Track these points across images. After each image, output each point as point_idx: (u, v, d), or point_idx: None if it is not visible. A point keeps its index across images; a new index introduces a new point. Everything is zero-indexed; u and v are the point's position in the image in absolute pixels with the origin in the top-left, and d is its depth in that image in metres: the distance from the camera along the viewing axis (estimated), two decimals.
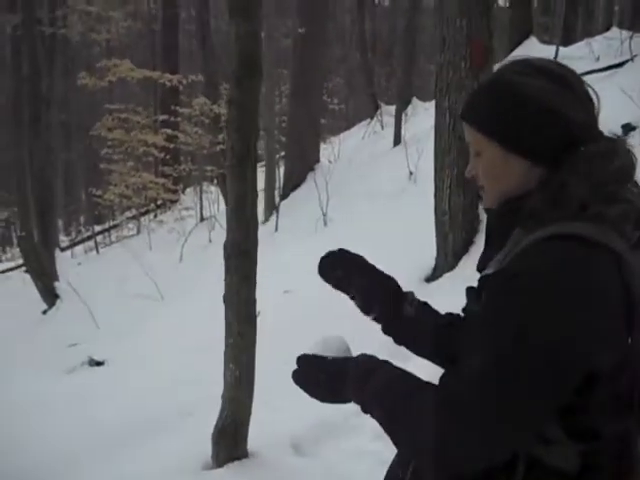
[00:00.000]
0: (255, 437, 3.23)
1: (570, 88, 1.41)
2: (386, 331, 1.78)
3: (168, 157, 15.71)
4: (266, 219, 11.03)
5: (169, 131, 15.17)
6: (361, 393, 1.44)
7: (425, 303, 1.77)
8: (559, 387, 1.27)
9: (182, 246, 11.30)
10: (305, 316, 5.61)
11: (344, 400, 1.49)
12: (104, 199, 15.50)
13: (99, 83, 15.38)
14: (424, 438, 1.31)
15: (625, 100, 6.45)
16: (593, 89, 1.44)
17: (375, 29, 23.39)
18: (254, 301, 3.00)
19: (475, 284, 1.50)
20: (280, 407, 3.76)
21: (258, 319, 4.95)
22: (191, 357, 5.37)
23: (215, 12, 21.01)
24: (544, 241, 1.31)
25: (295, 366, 1.55)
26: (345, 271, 1.72)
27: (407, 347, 1.79)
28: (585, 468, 1.33)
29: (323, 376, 1.50)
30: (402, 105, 13.15)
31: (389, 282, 1.75)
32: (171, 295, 8.54)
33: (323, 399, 1.53)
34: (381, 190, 8.78)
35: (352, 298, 1.75)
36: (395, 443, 1.41)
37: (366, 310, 1.74)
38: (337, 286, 1.74)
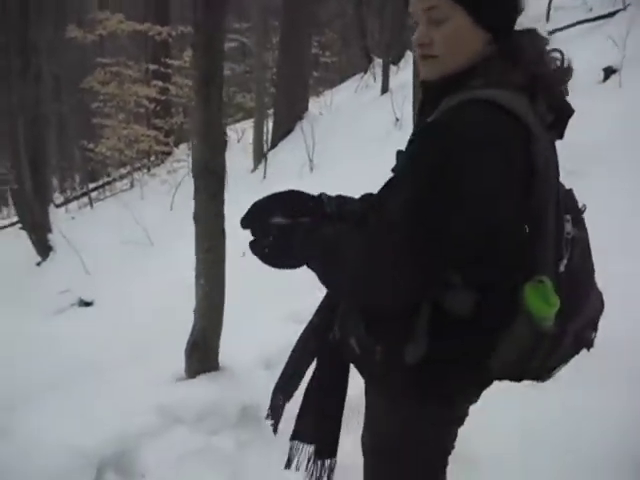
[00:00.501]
0: (227, 352, 3.39)
1: None
2: None
3: (159, 109, 15.72)
4: (255, 167, 11.13)
5: (160, 83, 15.15)
6: (301, 249, 1.61)
7: (339, 195, 1.88)
8: (464, 230, 1.40)
9: (173, 196, 11.40)
10: None
11: (294, 262, 1.65)
12: (97, 152, 15.54)
13: (89, 36, 15.32)
14: (351, 274, 1.47)
15: (610, 46, 6.52)
16: None
17: None
18: (222, 217, 3.11)
19: None
20: (252, 329, 3.93)
21: (243, 259, 5.08)
22: (177, 294, 5.50)
23: None
24: (466, 102, 1.44)
25: None
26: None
27: None
28: (477, 313, 1.48)
29: (274, 241, 1.66)
30: (394, 57, 13.16)
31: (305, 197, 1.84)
32: (160, 241, 8.67)
33: (275, 263, 1.69)
34: (367, 136, 8.87)
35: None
36: (326, 285, 1.60)
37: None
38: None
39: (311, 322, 1.98)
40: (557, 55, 1.58)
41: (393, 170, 1.69)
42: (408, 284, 1.43)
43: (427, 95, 1.65)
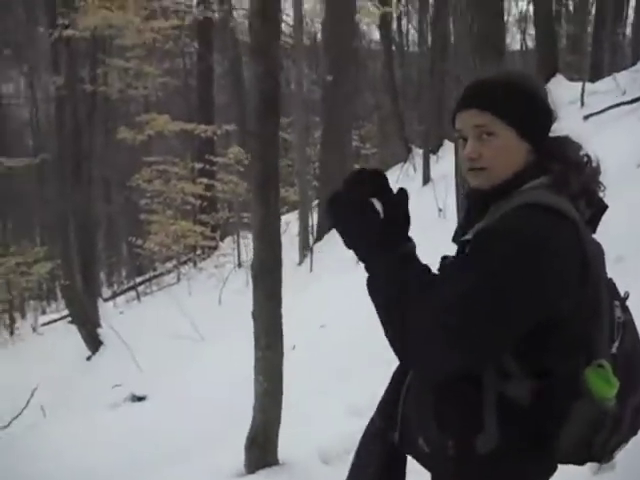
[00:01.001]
0: (285, 447, 3.43)
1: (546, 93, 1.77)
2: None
3: (205, 205, 16.13)
4: (301, 261, 11.29)
5: (206, 180, 15.59)
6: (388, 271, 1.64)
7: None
8: (515, 324, 1.54)
9: (220, 290, 11.57)
10: (337, 348, 5.82)
11: (362, 254, 1.68)
12: (144, 248, 15.92)
13: (138, 137, 15.94)
14: (411, 342, 1.57)
15: None
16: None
17: (404, 74, 23.80)
18: (280, 315, 3.22)
19: None
20: (309, 423, 3.96)
21: (294, 352, 5.18)
22: (230, 389, 5.58)
23: (248, 66, 21.67)
24: (520, 208, 1.60)
25: None
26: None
27: None
28: (537, 401, 1.57)
29: (375, 221, 1.66)
30: (433, 146, 13.43)
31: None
32: (211, 336, 8.75)
33: (349, 238, 1.69)
34: (412, 226, 8.98)
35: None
36: (385, 330, 1.64)
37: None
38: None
39: (373, 422, 2.04)
40: (588, 156, 1.74)
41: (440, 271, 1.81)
42: (444, 358, 1.55)
43: (474, 202, 1.79)
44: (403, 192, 1.72)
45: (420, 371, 1.68)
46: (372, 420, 2.04)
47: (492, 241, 1.57)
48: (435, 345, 1.54)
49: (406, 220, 1.69)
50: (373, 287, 1.67)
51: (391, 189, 1.71)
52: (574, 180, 1.66)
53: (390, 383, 1.97)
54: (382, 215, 1.68)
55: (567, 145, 1.73)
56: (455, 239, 1.80)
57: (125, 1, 14.10)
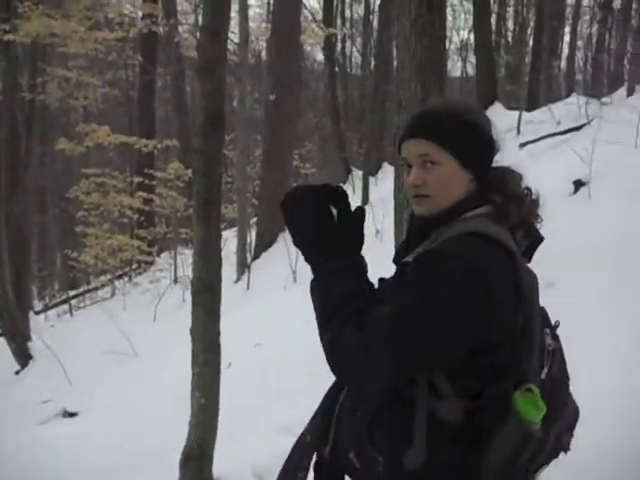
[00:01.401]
0: (220, 463, 3.43)
1: (492, 127, 1.84)
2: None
3: (143, 220, 15.97)
4: (238, 278, 11.27)
5: (145, 194, 15.45)
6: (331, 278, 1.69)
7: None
8: (444, 347, 1.61)
9: (156, 306, 11.46)
10: (272, 367, 5.83)
11: (310, 254, 1.72)
12: (79, 261, 15.65)
13: (77, 148, 15.72)
14: (341, 355, 1.64)
15: (579, 159, 6.87)
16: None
17: (347, 96, 24.03)
18: (218, 333, 3.24)
19: None
20: (244, 440, 3.97)
21: (229, 369, 5.17)
22: (162, 406, 5.53)
23: (190, 81, 21.61)
24: (461, 235, 1.67)
25: None
26: None
27: None
28: (467, 420, 1.63)
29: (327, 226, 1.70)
30: (372, 168, 13.60)
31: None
32: (144, 352, 8.65)
33: (301, 235, 1.73)
34: None
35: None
36: (320, 337, 1.69)
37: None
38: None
39: (303, 437, 2.06)
40: (529, 189, 1.82)
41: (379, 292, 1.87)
42: (371, 375, 1.61)
43: (416, 227, 1.85)
44: (362, 210, 1.78)
45: (345, 381, 1.74)
46: (302, 435, 2.05)
47: (433, 263, 1.63)
48: (363, 359, 1.59)
49: (360, 235, 1.75)
50: (315, 290, 1.72)
51: (350, 204, 1.75)
52: (514, 212, 1.73)
53: (324, 398, 1.99)
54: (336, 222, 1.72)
55: (508, 177, 1.79)
56: (395, 260, 1.85)
57: (69, 10, 13.93)
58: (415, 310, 1.58)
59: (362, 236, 1.75)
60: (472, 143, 1.77)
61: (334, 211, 1.72)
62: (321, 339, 1.69)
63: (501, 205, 1.74)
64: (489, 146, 1.81)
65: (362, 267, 1.73)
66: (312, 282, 1.73)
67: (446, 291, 1.58)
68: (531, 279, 1.74)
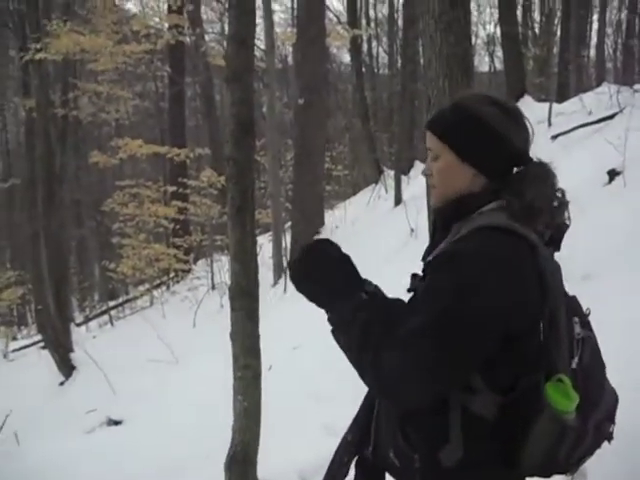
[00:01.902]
0: (265, 466, 3.47)
1: (515, 120, 1.80)
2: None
3: (178, 228, 16.12)
4: (275, 282, 11.33)
5: (179, 203, 15.59)
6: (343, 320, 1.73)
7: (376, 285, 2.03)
8: (483, 343, 1.62)
9: (195, 313, 11.57)
10: (312, 369, 5.86)
11: (327, 309, 1.76)
12: (117, 272, 15.85)
13: (110, 161, 15.94)
14: (386, 378, 1.64)
15: (612, 148, 6.80)
16: (531, 124, 1.82)
17: (375, 97, 24.04)
18: (258, 336, 3.28)
19: None
20: (288, 443, 4.00)
21: (270, 372, 5.21)
22: (205, 412, 5.59)
23: (219, 89, 21.80)
24: (477, 230, 1.68)
25: None
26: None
27: None
28: (501, 415, 1.64)
29: (328, 279, 1.76)
30: (404, 167, 13.58)
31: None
32: (185, 358, 8.74)
33: (314, 295, 1.79)
34: (384, 247, 9.09)
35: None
36: (360, 375, 1.71)
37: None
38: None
39: (345, 438, 2.09)
40: (555, 194, 1.78)
41: (409, 290, 1.89)
42: (423, 389, 1.63)
43: (437, 220, 1.88)
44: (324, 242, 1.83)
45: (400, 406, 1.74)
46: (344, 437, 2.09)
47: (450, 264, 1.65)
48: (411, 383, 1.61)
49: (352, 267, 1.78)
50: (339, 336, 1.75)
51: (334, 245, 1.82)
52: (534, 214, 1.71)
53: (364, 399, 2.02)
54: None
55: (528, 184, 1.74)
56: (423, 258, 1.88)
57: (97, 26, 14.14)
58: (447, 318, 1.59)
59: (355, 268, 1.79)
60: (471, 137, 1.77)
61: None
62: (361, 373, 1.70)
63: (514, 204, 1.71)
64: (491, 141, 1.76)
65: (372, 294, 1.76)
66: (332, 333, 1.77)
67: (468, 293, 1.60)
68: (554, 269, 1.74)
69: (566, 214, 1.80)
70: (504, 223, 1.67)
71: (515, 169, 1.80)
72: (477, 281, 1.60)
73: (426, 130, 1.85)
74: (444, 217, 1.83)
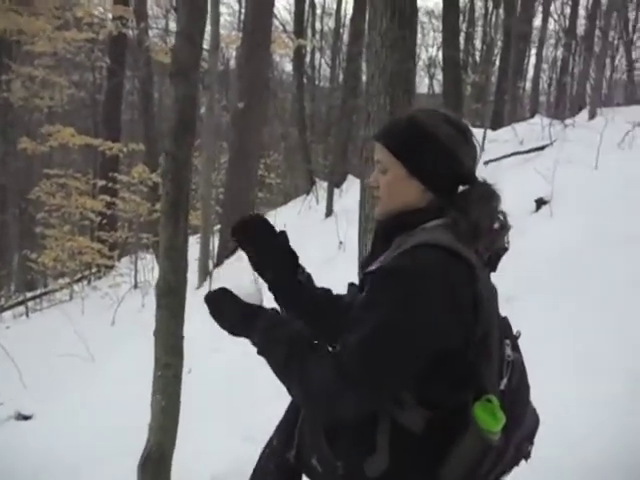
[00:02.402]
0: (179, 469, 3.41)
1: (466, 140, 1.84)
2: (276, 291, 2.16)
3: (105, 223, 15.81)
4: (200, 285, 11.22)
5: (108, 197, 15.29)
6: (264, 337, 1.79)
7: (309, 275, 2.18)
8: (413, 361, 1.64)
9: (115, 310, 11.35)
10: (232, 374, 5.82)
11: (246, 336, 1.84)
12: (38, 263, 15.43)
13: (39, 148, 15.53)
14: (316, 391, 1.65)
15: (541, 178, 6.99)
16: (479, 143, 1.85)
17: (314, 108, 24.13)
18: (181, 336, 3.24)
19: None
20: (203, 445, 3.96)
21: (189, 375, 5.13)
22: (119, 410, 5.47)
23: (158, 86, 21.52)
24: (419, 246, 1.69)
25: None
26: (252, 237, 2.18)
27: (287, 308, 2.15)
28: (429, 430, 1.66)
29: (235, 312, 1.86)
30: (337, 180, 13.65)
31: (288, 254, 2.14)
32: (102, 356, 8.55)
33: (231, 330, 1.89)
34: (312, 258, 9.09)
35: (249, 258, 2.18)
36: (287, 388, 1.74)
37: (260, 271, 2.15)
38: (239, 244, 2.21)
39: (270, 442, 2.09)
40: (493, 217, 1.82)
41: (342, 298, 1.93)
42: (354, 404, 1.65)
43: (379, 232, 1.89)
44: (283, 232, 2.12)
45: (328, 420, 1.78)
46: (270, 440, 2.09)
47: (389, 281, 1.66)
48: (342, 398, 1.63)
49: (290, 254, 2.08)
50: (264, 353, 1.81)
51: (273, 227, 2.13)
52: (470, 234, 1.75)
53: (291, 402, 2.02)
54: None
55: (473, 203, 1.77)
56: (361, 268, 1.89)
57: (38, 8, 13.77)
58: (381, 332, 1.61)
59: (293, 254, 2.08)
60: (422, 153, 1.79)
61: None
62: (289, 389, 1.74)
63: (456, 220, 1.75)
64: (445, 159, 1.79)
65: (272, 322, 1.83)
66: (257, 350, 1.82)
67: (403, 308, 1.62)
68: (490, 291, 1.77)
69: (506, 238, 1.83)
70: (447, 243, 1.68)
71: (461, 187, 1.82)
72: (415, 298, 1.62)
73: (376, 142, 1.86)
74: (387, 229, 1.84)
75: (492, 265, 1.85)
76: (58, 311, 12.36)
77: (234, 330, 1.87)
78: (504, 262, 1.89)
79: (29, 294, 17.25)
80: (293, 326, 1.79)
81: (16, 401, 7.11)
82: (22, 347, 9.81)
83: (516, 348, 1.87)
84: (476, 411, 1.65)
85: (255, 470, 2.12)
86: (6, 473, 4.47)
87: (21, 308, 15.98)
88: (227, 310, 1.88)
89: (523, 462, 1.86)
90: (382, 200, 1.86)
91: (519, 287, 4.90)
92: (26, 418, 6.40)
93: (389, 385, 1.65)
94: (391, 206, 1.84)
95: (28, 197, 16.71)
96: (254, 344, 1.82)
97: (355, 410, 1.66)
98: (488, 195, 1.81)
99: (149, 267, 13.58)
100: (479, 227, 1.73)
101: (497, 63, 21.53)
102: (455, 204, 1.76)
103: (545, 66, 28.33)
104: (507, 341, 1.83)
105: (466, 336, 1.67)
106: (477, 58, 25.60)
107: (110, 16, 15.98)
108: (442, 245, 1.67)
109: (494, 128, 14.05)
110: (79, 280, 16.04)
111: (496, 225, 1.80)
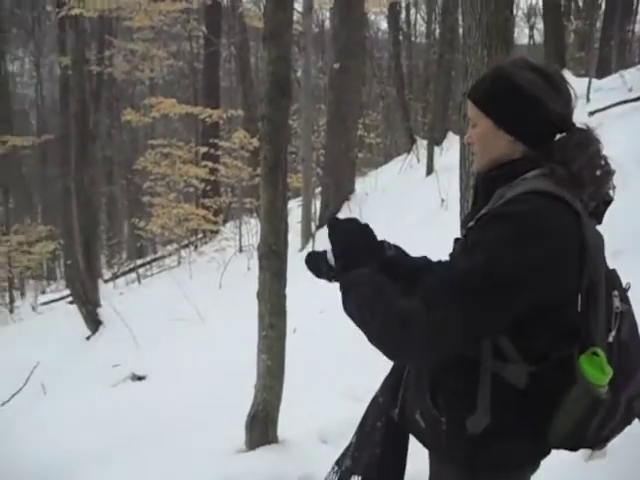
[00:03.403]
0: (285, 426, 3.50)
1: (555, 85, 1.75)
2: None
3: (209, 189, 16.14)
4: (303, 247, 11.34)
5: (210, 164, 15.59)
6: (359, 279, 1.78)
7: (397, 246, 2.10)
8: (517, 299, 1.59)
9: (222, 274, 11.62)
10: (336, 334, 5.88)
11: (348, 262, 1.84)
12: (146, 231, 15.95)
13: (143, 119, 15.96)
14: (407, 329, 1.61)
15: None
16: (573, 89, 1.76)
17: (411, 65, 23.78)
18: (284, 296, 3.29)
19: None
20: (309, 404, 4.03)
21: (295, 335, 5.23)
22: (229, 370, 5.64)
23: (254, 51, 21.68)
24: (524, 194, 1.65)
25: None
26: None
27: None
28: (532, 385, 1.62)
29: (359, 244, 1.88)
30: (437, 138, 13.44)
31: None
32: (210, 318, 8.81)
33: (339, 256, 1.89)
34: (413, 217, 9.04)
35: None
36: (366, 331, 1.72)
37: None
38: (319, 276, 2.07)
39: (376, 399, 2.10)
40: (600, 162, 1.73)
41: (451, 255, 1.88)
42: (449, 346, 1.62)
43: (480, 187, 1.86)
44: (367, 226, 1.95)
45: (410, 356, 1.72)
46: (375, 398, 2.10)
47: (496, 224, 1.62)
48: (428, 319, 1.58)
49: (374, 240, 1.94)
50: (349, 295, 1.78)
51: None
52: (577, 179, 1.69)
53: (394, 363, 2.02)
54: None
55: (571, 151, 1.71)
56: (463, 225, 1.86)
57: None
58: (479, 268, 1.58)
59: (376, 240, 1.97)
60: (504, 103, 1.75)
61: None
62: (370, 329, 1.71)
63: (558, 171, 1.69)
64: (528, 107, 1.73)
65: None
66: (343, 292, 1.80)
67: (510, 250, 1.57)
68: (597, 241, 1.70)
69: (611, 184, 1.76)
70: (551, 189, 1.64)
71: (558, 136, 1.76)
72: (524, 240, 1.58)
73: (468, 99, 1.85)
74: (486, 183, 1.81)
75: (598, 216, 1.78)
76: (168, 276, 12.78)
77: (342, 259, 1.88)
78: (610, 215, 1.82)
79: (139, 261, 17.92)
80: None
81: (131, 363, 7.44)
82: (136, 312, 10.23)
83: (625, 300, 1.78)
84: (582, 364, 1.59)
85: (361, 428, 2.14)
86: (122, 429, 4.68)
87: (133, 275, 16.62)
88: (350, 238, 1.90)
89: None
90: (477, 155, 1.84)
91: (627, 241, 4.72)
92: (140, 379, 6.68)
93: (484, 325, 1.61)
94: (485, 159, 1.82)
95: (134, 168, 17.22)
96: (343, 278, 1.82)
97: (441, 351, 1.64)
98: (586, 141, 1.73)
99: (253, 231, 13.78)
100: (581, 175, 1.67)
101: (603, 6, 20.54)
102: (552, 154, 1.71)
103: None
104: (615, 292, 1.74)
105: (572, 285, 1.63)
106: (580, 2, 24.49)
107: None
108: (548, 192, 1.63)
109: (600, 76, 13.44)
110: (186, 246, 16.49)
111: (598, 172, 1.72)
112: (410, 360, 1.78)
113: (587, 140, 1.73)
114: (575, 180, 1.66)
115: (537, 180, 1.69)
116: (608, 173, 1.74)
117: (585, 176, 1.67)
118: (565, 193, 1.64)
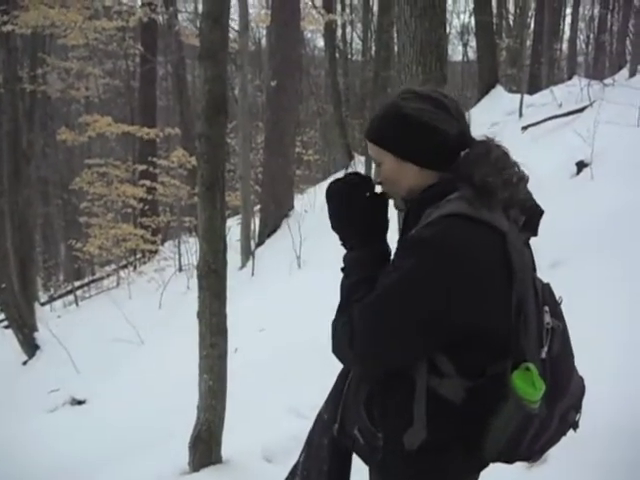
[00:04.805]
0: (229, 446, 3.48)
1: (444, 107, 1.79)
2: None
3: (147, 209, 15.99)
4: (243, 265, 11.30)
5: (148, 183, 15.44)
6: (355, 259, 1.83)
7: None
8: (430, 340, 1.67)
9: (161, 294, 11.50)
10: (277, 352, 5.88)
11: (344, 237, 1.86)
12: (84, 252, 15.69)
13: (78, 138, 15.73)
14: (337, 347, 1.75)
15: (581, 140, 6.86)
16: (461, 105, 1.84)
17: (348, 83, 23.98)
18: (224, 315, 3.28)
19: None
20: (252, 422, 4.01)
21: (236, 354, 5.20)
22: (170, 391, 5.57)
23: (191, 69, 21.60)
24: (443, 217, 1.66)
25: None
26: None
27: None
28: (468, 400, 1.65)
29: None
30: None
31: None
32: (151, 339, 8.69)
33: (338, 222, 1.89)
34: None
35: None
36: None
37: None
38: None
39: (321, 416, 2.11)
40: (514, 168, 1.77)
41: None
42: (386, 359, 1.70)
43: (410, 207, 1.87)
44: (384, 195, 1.87)
45: (344, 363, 1.84)
46: (319, 415, 2.11)
47: (414, 248, 1.66)
48: (348, 344, 1.69)
49: (384, 220, 1.87)
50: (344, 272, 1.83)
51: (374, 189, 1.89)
52: (489, 198, 1.70)
53: (338, 377, 2.03)
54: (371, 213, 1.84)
55: (472, 164, 1.73)
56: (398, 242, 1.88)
57: (67, 0, 13.88)
58: (392, 297, 1.63)
59: (386, 221, 1.87)
60: (400, 136, 1.78)
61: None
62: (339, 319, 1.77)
63: (465, 189, 1.71)
64: (425, 135, 1.76)
65: (380, 254, 1.82)
66: (345, 265, 1.84)
67: (424, 275, 1.61)
68: (524, 257, 1.72)
69: (526, 189, 1.78)
70: (466, 211, 1.66)
71: (462, 153, 1.79)
72: (434, 268, 1.62)
73: (367, 141, 1.86)
74: (414, 204, 1.81)
75: (531, 229, 1.81)
76: (106, 298, 12.58)
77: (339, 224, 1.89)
78: (546, 227, 1.85)
79: (77, 283, 17.59)
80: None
81: (70, 387, 7.29)
82: (74, 335, 10.03)
83: (557, 315, 1.79)
84: (514, 380, 1.62)
85: (308, 445, 2.14)
86: (61, 455, 4.59)
87: (70, 297, 16.30)
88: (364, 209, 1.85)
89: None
90: (393, 192, 1.85)
91: (563, 252, 4.84)
92: (80, 403, 6.56)
93: (393, 349, 1.68)
94: (404, 191, 1.82)
95: (70, 188, 16.94)
96: (350, 256, 1.83)
97: (364, 365, 1.75)
98: (486, 151, 1.76)
99: (192, 250, 13.66)
100: (486, 183, 1.69)
101: (532, 26, 21.12)
102: (457, 172, 1.73)
103: (582, 25, 27.72)
104: (546, 308, 1.76)
105: (500, 306, 1.65)
106: (511, 22, 25.11)
107: (139, 2, 16.04)
108: (464, 214, 1.65)
109: (531, 92, 13.83)
110: (125, 266, 16.29)
111: (507, 175, 1.74)
112: (348, 366, 1.87)
113: (487, 149, 1.76)
114: (482, 190, 1.68)
115: (454, 202, 1.69)
116: (520, 177, 1.76)
117: (492, 182, 1.68)
118: (483, 213, 1.66)
